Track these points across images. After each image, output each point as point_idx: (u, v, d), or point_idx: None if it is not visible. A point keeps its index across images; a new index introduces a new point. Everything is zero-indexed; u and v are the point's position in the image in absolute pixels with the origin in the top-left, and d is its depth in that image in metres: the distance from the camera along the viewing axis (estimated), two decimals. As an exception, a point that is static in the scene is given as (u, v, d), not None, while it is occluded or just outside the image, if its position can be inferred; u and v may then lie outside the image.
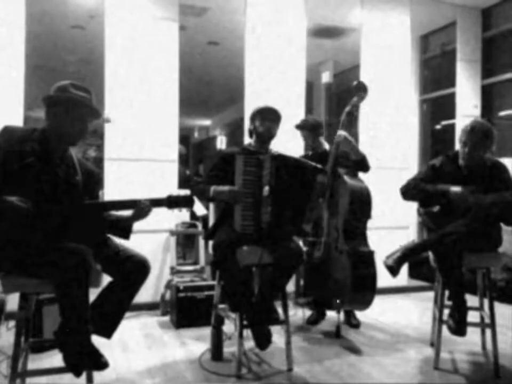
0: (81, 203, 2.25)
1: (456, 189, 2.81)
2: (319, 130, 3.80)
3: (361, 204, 3.30)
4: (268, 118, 2.98)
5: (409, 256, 3.06)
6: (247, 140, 3.24)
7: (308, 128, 3.79)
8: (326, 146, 3.80)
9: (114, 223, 2.35)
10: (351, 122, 3.50)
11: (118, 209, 2.34)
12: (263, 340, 2.70)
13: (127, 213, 2.33)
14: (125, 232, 2.33)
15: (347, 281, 3.20)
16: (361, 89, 3.37)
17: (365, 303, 3.27)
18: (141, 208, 2.27)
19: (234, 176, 2.75)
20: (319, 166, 2.94)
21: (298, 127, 3.84)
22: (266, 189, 2.74)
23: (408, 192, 3.05)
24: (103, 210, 2.34)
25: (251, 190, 2.75)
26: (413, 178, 3.11)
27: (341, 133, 3.34)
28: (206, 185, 2.85)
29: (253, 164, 2.77)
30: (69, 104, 2.20)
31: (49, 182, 2.17)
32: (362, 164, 3.44)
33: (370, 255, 3.28)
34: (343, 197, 3.29)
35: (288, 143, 3.93)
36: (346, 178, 3.33)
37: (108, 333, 2.31)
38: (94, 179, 2.44)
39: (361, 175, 3.59)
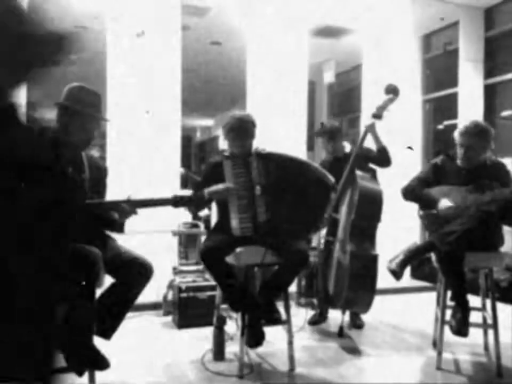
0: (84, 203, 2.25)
1: (442, 204, 2.85)
2: (336, 136, 3.63)
3: (370, 205, 3.25)
4: (239, 138, 2.84)
5: (412, 259, 3.05)
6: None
7: (326, 136, 3.63)
8: (347, 149, 3.70)
9: (107, 217, 2.33)
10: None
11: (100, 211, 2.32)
12: (254, 340, 2.68)
13: None
14: (118, 225, 2.32)
15: (345, 281, 3.20)
16: (392, 92, 3.39)
17: (363, 305, 3.24)
18: (121, 211, 2.24)
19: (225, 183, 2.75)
20: (334, 183, 2.94)
21: (316, 134, 3.81)
22: (258, 188, 2.76)
23: (408, 194, 3.10)
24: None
25: (244, 192, 2.77)
26: (414, 179, 3.11)
27: (372, 121, 3.42)
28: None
29: (241, 166, 2.80)
30: (79, 117, 2.23)
31: (56, 181, 2.17)
32: (384, 155, 3.46)
33: (372, 258, 3.25)
34: (354, 197, 3.28)
35: (290, 141, 3.94)
36: (359, 178, 3.30)
37: (107, 334, 2.31)
38: (102, 174, 2.48)
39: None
